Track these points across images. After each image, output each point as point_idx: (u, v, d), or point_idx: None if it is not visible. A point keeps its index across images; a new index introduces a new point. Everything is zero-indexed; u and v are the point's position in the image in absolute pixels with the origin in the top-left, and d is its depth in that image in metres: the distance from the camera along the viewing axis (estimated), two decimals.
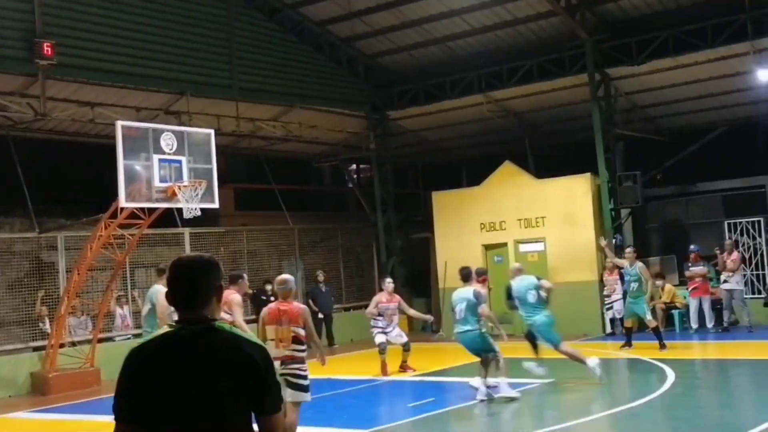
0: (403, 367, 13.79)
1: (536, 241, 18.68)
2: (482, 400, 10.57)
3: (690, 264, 17.34)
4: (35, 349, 14.85)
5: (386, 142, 21.83)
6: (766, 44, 16.59)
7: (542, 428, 9.15)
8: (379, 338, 13.66)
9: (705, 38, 16.69)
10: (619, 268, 17.46)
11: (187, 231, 17.21)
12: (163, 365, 2.90)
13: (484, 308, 10.93)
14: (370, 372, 13.67)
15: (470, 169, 23.92)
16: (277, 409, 3.01)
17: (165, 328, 3.07)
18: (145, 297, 14.97)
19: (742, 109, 19.77)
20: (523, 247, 18.93)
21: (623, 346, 15.03)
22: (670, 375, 11.60)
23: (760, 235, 17.88)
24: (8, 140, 16.46)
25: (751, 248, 17.90)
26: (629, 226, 19.08)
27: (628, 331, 15.29)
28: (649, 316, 14.81)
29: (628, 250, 15.72)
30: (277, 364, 7.45)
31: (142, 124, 13.79)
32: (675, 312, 17.59)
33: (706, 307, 16.98)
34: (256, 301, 17.61)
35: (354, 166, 26.11)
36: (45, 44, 14.54)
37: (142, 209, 13.18)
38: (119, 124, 12.79)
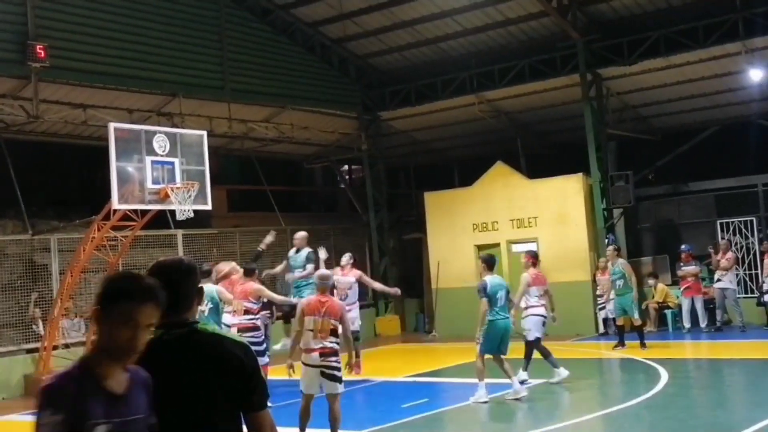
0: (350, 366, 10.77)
1: (529, 242, 18.69)
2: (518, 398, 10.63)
3: (682, 264, 17.40)
4: (28, 351, 14.79)
5: (378, 143, 21.84)
6: (757, 44, 16.67)
7: (536, 429, 9.18)
8: None
9: (696, 38, 16.76)
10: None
11: (179, 233, 17.18)
12: (149, 370, 2.90)
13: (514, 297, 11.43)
14: (364, 373, 13.66)
15: (462, 169, 23.95)
16: (265, 406, 3.04)
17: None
18: None
19: (733, 109, 19.85)
20: (515, 248, 18.94)
21: (616, 345, 15.09)
22: (664, 375, 11.65)
23: (752, 235, 17.96)
24: (1, 142, 16.42)
25: (744, 248, 17.98)
26: (621, 226, 19.13)
27: (620, 330, 15.35)
28: (636, 315, 14.88)
29: (609, 248, 15.83)
30: (315, 355, 8.04)
31: (134, 126, 13.77)
32: (668, 312, 17.65)
33: (699, 306, 17.04)
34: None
35: (346, 167, 26.11)
36: (37, 46, 14.50)
37: (134, 211, 13.14)
38: (111, 125, 12.75)
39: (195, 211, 13.41)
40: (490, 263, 11.11)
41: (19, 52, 14.63)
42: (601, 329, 17.40)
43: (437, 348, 18.28)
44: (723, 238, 17.61)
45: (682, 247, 17.50)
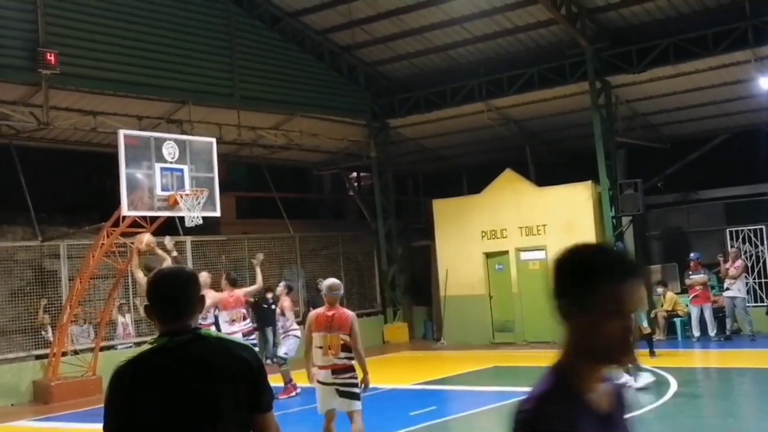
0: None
1: (537, 249, 18.67)
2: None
3: (690, 272, 17.33)
4: (38, 357, 14.85)
5: (387, 150, 21.86)
6: (767, 52, 16.62)
7: None
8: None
9: (706, 46, 16.73)
10: None
11: (188, 239, 17.24)
12: (157, 378, 2.89)
13: None
14: (372, 380, 13.64)
15: (471, 176, 23.93)
16: (271, 407, 3.05)
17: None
18: None
19: (743, 117, 19.79)
20: (524, 255, 18.93)
21: None
22: (673, 383, 11.60)
23: (762, 243, 17.88)
24: (11, 149, 16.52)
25: (753, 256, 17.90)
26: (630, 234, 19.06)
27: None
28: (645, 323, 14.76)
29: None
30: (326, 373, 7.60)
31: (144, 133, 13.84)
32: (677, 320, 17.58)
33: (708, 315, 16.96)
34: (257, 309, 17.62)
35: (354, 174, 26.14)
36: (48, 53, 14.60)
37: (144, 218, 13.20)
38: (121, 132, 12.82)
39: (204, 218, 13.46)
40: None
41: (29, 59, 14.73)
42: None
43: (445, 355, 18.25)
44: (732, 247, 17.53)
45: (691, 255, 17.43)
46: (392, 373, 14.30)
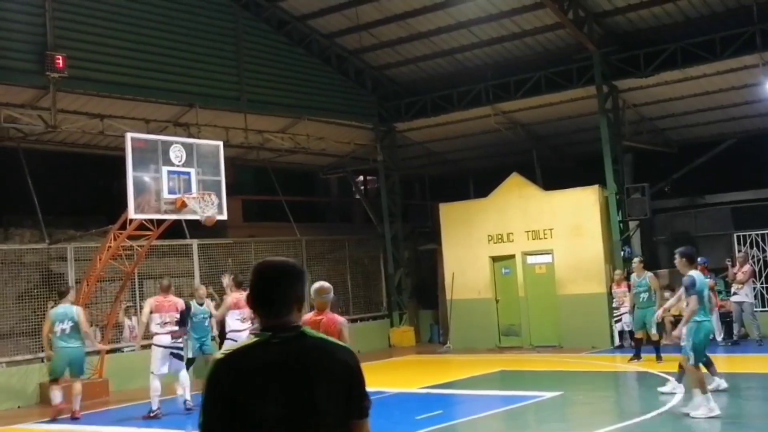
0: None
1: (544, 253, 18.65)
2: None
3: None
4: (44, 359, 14.87)
5: (393, 154, 21.88)
6: None
7: None
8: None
9: (713, 50, 16.70)
10: (628, 280, 17.44)
11: (195, 242, 17.26)
12: (259, 373, 2.80)
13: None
14: (378, 384, 13.65)
15: (477, 180, 23.93)
16: (367, 414, 2.98)
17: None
18: None
19: (750, 122, 19.75)
20: (530, 259, 18.90)
21: (632, 358, 14.98)
22: (679, 388, 11.54)
23: None
24: (19, 152, 16.57)
25: (761, 261, 17.84)
26: (637, 239, 19.03)
27: (637, 344, 15.23)
28: (653, 330, 14.74)
29: (635, 260, 15.66)
30: None
31: (151, 136, 13.87)
32: None
33: (714, 319, 16.87)
34: None
35: (361, 178, 26.16)
36: (56, 57, 14.66)
37: (150, 221, 13.23)
38: (129, 135, 12.85)
39: None
40: (691, 257, 10.20)
41: (38, 62, 14.79)
42: (617, 342, 17.30)
43: (451, 359, 18.23)
44: (740, 251, 17.47)
45: (698, 260, 17.34)
46: (398, 377, 14.29)
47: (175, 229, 15.23)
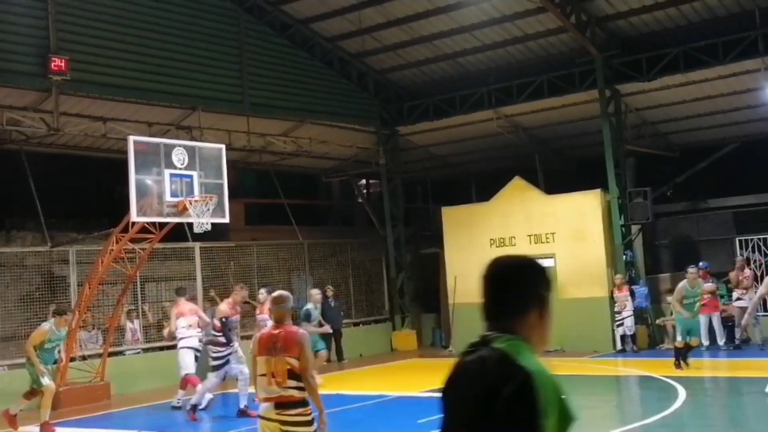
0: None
1: (546, 257, 18.60)
2: None
3: None
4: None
5: (396, 157, 21.88)
6: None
7: None
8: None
9: (716, 54, 16.70)
10: (630, 284, 17.43)
11: (197, 245, 17.27)
12: (446, 382, 2.59)
13: None
14: (380, 387, 13.64)
15: (480, 184, 23.92)
16: None
17: None
18: (157, 310, 15.16)
19: (753, 126, 19.73)
20: None
21: (679, 364, 14.02)
22: (681, 392, 11.54)
23: None
24: (21, 155, 16.60)
25: (763, 265, 17.81)
26: (639, 243, 19.01)
27: (684, 350, 14.29)
28: (697, 336, 14.33)
29: (691, 270, 15.11)
30: (267, 406, 5.97)
31: (153, 139, 13.89)
32: None
33: (716, 323, 16.87)
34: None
35: (363, 181, 26.16)
36: (59, 59, 14.68)
37: (153, 224, 13.24)
38: (131, 139, 12.87)
39: (213, 224, 13.49)
40: None
41: (40, 65, 14.82)
42: (619, 346, 17.27)
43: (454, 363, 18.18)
44: (741, 255, 17.44)
45: (699, 264, 17.35)
46: (400, 381, 14.28)
47: (177, 232, 15.23)
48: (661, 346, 17.49)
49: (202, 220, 13.14)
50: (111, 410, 13.55)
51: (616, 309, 17.22)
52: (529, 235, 18.77)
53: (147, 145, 13.02)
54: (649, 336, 17.91)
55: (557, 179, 21.04)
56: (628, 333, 17.12)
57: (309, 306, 14.60)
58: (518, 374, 2.37)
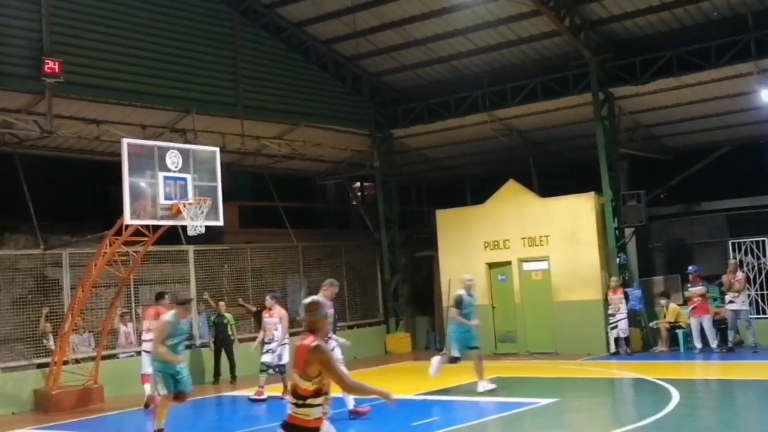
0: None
1: (540, 260, 18.66)
2: None
3: (689, 284, 17.30)
4: (39, 366, 14.83)
5: (390, 160, 21.89)
6: None
7: None
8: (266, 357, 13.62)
9: (709, 58, 16.76)
10: (624, 287, 17.46)
11: (191, 248, 17.24)
12: None
13: None
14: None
15: (474, 187, 23.95)
16: None
17: None
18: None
19: (746, 129, 19.79)
20: (526, 266, 18.91)
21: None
22: (675, 395, 11.55)
23: (764, 255, 17.84)
24: (14, 157, 16.56)
25: (756, 268, 17.86)
26: (633, 246, 19.05)
27: None
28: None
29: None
30: None
31: (147, 142, 13.84)
32: (679, 332, 17.53)
33: (707, 326, 16.89)
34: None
35: (358, 184, 26.16)
36: (52, 62, 14.65)
37: (146, 226, 13.19)
38: (125, 141, 12.82)
39: (207, 227, 13.45)
40: None
41: (33, 67, 14.79)
42: (612, 348, 17.29)
43: (448, 366, 18.17)
44: (734, 258, 17.49)
45: (690, 268, 17.40)
46: (394, 384, 14.19)
47: (171, 235, 15.20)
48: (654, 348, 17.52)
49: (195, 223, 13.10)
50: (104, 414, 13.51)
51: (609, 311, 17.24)
52: (523, 238, 18.80)
53: (141, 148, 12.97)
54: (643, 339, 17.94)
55: (551, 182, 21.07)
56: (622, 336, 17.14)
57: (461, 292, 13.39)
58: None
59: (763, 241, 17.93)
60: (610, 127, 18.32)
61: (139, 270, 15.49)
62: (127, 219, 12.59)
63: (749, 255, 17.98)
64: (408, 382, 15.71)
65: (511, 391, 11.63)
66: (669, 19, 16.99)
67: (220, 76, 18.18)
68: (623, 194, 18.17)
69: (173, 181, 12.99)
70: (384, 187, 21.90)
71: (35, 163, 17.76)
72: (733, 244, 18.17)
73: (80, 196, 20.26)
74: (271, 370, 13.61)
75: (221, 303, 17.07)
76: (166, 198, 12.86)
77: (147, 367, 13.14)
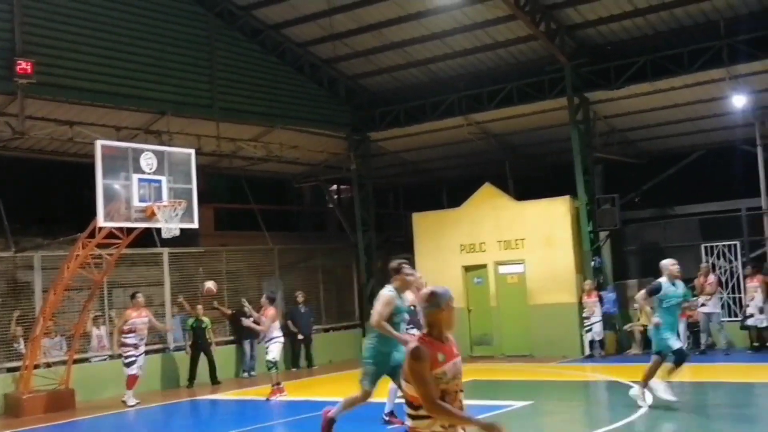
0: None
1: (516, 263, 18.73)
2: None
3: None
4: (9, 369, 14.64)
5: (367, 163, 21.87)
6: (741, 70, 16.86)
7: None
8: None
9: (681, 64, 16.94)
10: (598, 290, 17.55)
11: (166, 251, 17.11)
12: None
13: None
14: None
15: (450, 190, 23.99)
16: None
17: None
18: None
19: (718, 134, 20.02)
20: (502, 269, 18.98)
21: None
22: (648, 397, 11.62)
23: (736, 259, 18.03)
24: None
25: (728, 271, 18.05)
26: (607, 249, 19.18)
27: None
28: None
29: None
30: None
31: (121, 144, 13.73)
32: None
33: (681, 329, 17.00)
34: (235, 322, 17.50)
35: (335, 187, 26.12)
36: (24, 62, 14.48)
37: (120, 229, 13.09)
38: (98, 143, 12.73)
39: (182, 230, 13.38)
40: None
41: (5, 67, 14.62)
42: (587, 351, 17.39)
43: None
44: (707, 262, 17.67)
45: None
46: None
47: (145, 238, 15.08)
48: (628, 351, 17.64)
49: (170, 226, 13.02)
50: (75, 418, 13.36)
51: (584, 314, 17.34)
52: (499, 241, 18.86)
53: (115, 150, 12.87)
54: (617, 341, 18.06)
55: (527, 185, 21.17)
56: (597, 338, 17.24)
57: (662, 279, 11.99)
58: None
59: (735, 245, 18.13)
60: (585, 132, 18.45)
61: (113, 273, 15.34)
62: (101, 221, 12.48)
63: (721, 258, 18.16)
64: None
65: (487, 394, 11.62)
66: (643, 25, 17.14)
67: (196, 78, 18.08)
68: (598, 198, 18.30)
69: (148, 183, 12.92)
70: (360, 190, 21.88)
71: (7, 165, 17.54)
72: (706, 247, 18.35)
73: (53, 198, 20.03)
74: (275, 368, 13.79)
75: (199, 306, 16.99)
76: (141, 200, 12.78)
77: (134, 368, 13.79)
